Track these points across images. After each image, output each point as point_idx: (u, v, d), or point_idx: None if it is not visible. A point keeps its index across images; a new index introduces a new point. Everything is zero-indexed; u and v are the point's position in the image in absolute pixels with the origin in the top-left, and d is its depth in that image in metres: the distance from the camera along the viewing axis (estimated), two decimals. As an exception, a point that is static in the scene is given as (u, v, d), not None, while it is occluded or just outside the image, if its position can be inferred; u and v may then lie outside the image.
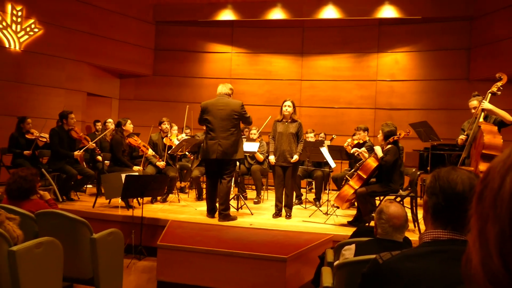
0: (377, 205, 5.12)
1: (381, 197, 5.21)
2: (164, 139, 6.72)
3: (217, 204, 5.38)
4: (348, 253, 2.40)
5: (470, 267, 0.61)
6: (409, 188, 5.17)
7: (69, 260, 3.21)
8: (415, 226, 5.00)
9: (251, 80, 10.45)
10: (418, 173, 5.43)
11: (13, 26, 8.29)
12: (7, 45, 8.23)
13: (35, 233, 3.17)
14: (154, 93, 10.69)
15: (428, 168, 6.84)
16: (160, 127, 6.82)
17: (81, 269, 3.38)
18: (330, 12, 9.51)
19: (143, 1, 10.40)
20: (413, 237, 3.95)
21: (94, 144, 6.70)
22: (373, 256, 1.95)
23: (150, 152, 6.47)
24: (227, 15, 10.09)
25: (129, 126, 6.39)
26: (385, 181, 4.98)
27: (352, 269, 2.19)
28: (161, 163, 6.44)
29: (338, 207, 5.61)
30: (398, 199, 4.96)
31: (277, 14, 9.81)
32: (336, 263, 2.44)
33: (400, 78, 9.76)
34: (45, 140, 6.69)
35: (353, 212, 5.64)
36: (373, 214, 5.03)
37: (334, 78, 10.08)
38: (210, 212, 5.38)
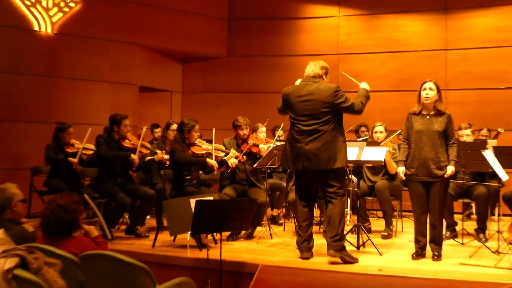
0: None
1: None
2: (241, 146, 6.79)
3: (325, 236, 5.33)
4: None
5: None
6: None
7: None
8: None
9: (369, 54, 10.37)
10: None
11: (43, 2, 9.00)
12: (36, 28, 8.95)
13: (80, 283, 3.35)
14: (229, 81, 11.01)
15: None
16: (235, 132, 6.91)
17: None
18: None
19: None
20: None
21: (163, 152, 6.91)
22: None
23: (230, 153, 6.51)
24: (330, -39, 10.13)
25: (193, 135, 6.44)
26: None
27: None
28: (235, 159, 6.46)
29: (516, 243, 5.31)
30: None
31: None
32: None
33: None
34: (91, 152, 7.12)
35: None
36: None
37: (499, 44, 9.70)
38: (303, 247, 5.34)
